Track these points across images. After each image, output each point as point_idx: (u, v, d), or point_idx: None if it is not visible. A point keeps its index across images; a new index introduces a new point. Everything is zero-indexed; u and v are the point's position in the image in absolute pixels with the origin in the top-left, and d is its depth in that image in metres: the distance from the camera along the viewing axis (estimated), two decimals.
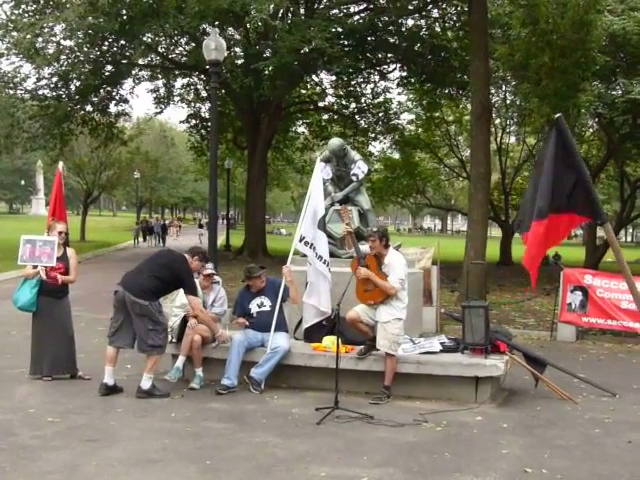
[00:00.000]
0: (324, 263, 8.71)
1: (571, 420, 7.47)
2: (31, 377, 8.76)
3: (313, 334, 8.94)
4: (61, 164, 10.97)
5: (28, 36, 24.69)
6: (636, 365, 11.05)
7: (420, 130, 36.72)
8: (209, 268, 9.11)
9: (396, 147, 37.57)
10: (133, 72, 32.55)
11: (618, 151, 26.08)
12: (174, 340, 8.75)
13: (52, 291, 8.72)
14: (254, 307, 8.78)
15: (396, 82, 33.76)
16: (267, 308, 8.68)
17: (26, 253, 8.72)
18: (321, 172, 9.63)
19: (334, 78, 34.15)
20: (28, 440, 6.38)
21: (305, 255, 8.98)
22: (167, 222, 56.67)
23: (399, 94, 53.41)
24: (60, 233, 8.90)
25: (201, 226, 50.17)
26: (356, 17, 30.40)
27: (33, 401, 7.78)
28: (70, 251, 9.01)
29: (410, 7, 29.11)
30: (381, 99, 35.24)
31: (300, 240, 8.79)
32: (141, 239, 46.91)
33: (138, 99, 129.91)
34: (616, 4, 18.68)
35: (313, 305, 8.82)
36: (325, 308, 8.73)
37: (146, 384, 8.02)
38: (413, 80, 32.38)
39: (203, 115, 37.82)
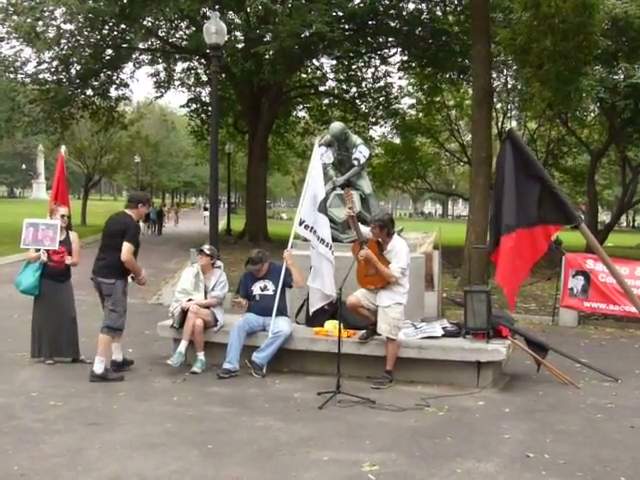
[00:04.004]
0: (326, 246, 8.65)
1: (573, 405, 7.48)
2: (32, 360, 8.78)
3: (315, 318, 8.93)
4: (63, 148, 10.90)
5: (28, 20, 24.68)
6: (638, 350, 11.04)
7: (421, 115, 36.48)
8: (205, 248, 9.10)
9: (397, 132, 37.41)
10: (133, 56, 32.52)
11: (620, 136, 26.04)
12: (175, 325, 8.74)
13: (55, 274, 8.74)
14: (257, 290, 8.77)
15: (397, 66, 33.69)
16: (270, 292, 8.66)
17: (29, 236, 8.71)
18: (322, 156, 9.59)
19: (335, 62, 34.04)
20: (30, 423, 6.38)
21: (306, 239, 8.96)
22: (165, 208, 56.41)
23: (400, 78, 52.96)
24: (62, 216, 8.90)
25: (206, 209, 50.34)
26: (357, 1, 30.22)
27: (35, 384, 7.78)
28: (73, 234, 9.00)
29: None
30: (382, 83, 35.15)
31: (300, 224, 8.75)
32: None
33: (138, 83, 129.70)
34: None
35: (318, 289, 8.80)
36: (329, 291, 8.67)
37: (98, 368, 7.95)
38: (414, 64, 32.25)
39: (203, 99, 37.74)
